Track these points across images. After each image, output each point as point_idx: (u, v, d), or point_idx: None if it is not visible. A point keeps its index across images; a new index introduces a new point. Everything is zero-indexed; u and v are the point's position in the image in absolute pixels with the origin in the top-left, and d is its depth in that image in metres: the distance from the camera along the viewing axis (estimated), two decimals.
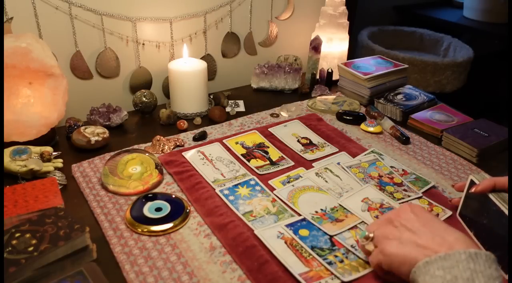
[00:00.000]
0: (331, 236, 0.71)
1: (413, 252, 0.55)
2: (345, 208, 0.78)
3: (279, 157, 0.94)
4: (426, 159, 0.95)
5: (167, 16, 1.14)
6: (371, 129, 1.05)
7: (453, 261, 0.50)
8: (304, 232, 0.72)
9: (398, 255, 0.56)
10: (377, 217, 0.76)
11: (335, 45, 1.31)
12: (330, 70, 1.28)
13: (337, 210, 0.77)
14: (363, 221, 0.75)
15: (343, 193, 0.82)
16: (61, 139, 1.00)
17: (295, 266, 0.65)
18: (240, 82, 1.33)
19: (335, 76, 1.29)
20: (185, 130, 1.05)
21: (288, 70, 1.26)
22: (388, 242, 0.59)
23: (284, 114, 1.13)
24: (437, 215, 0.77)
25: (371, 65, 1.24)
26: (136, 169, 0.85)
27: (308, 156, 0.95)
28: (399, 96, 1.17)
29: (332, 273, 0.64)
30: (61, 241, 0.62)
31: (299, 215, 0.76)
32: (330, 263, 0.65)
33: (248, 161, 0.92)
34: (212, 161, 0.92)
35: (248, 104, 1.19)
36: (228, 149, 0.96)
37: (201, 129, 1.04)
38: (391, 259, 0.57)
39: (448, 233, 0.56)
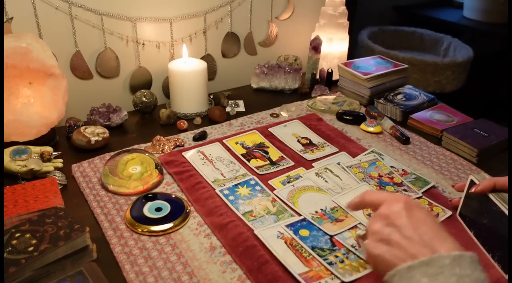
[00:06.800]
0: (331, 236, 0.71)
1: (396, 254, 0.52)
2: (341, 207, 0.78)
3: (279, 157, 0.94)
4: (426, 159, 0.95)
5: (167, 16, 1.14)
6: (371, 129, 1.05)
7: (437, 267, 0.48)
8: (304, 232, 0.72)
9: (380, 257, 0.53)
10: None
11: (335, 45, 1.31)
12: (330, 70, 1.28)
13: (337, 210, 0.77)
14: (361, 222, 0.75)
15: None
16: (61, 139, 1.00)
17: (295, 266, 0.65)
18: (240, 82, 1.33)
19: (335, 76, 1.29)
20: (185, 130, 1.05)
21: (288, 70, 1.26)
22: (374, 244, 0.55)
23: (284, 114, 1.13)
24: (437, 215, 0.77)
25: (371, 65, 1.24)
26: (136, 169, 0.85)
27: (308, 156, 0.95)
28: (399, 96, 1.17)
29: (332, 273, 0.64)
30: (61, 241, 0.62)
31: (299, 215, 0.76)
32: (330, 264, 0.65)
33: (248, 161, 0.92)
34: (212, 161, 0.92)
35: (248, 104, 1.19)
36: (228, 149, 0.96)
37: (201, 129, 1.04)
38: (375, 260, 0.54)
39: (436, 236, 0.52)
